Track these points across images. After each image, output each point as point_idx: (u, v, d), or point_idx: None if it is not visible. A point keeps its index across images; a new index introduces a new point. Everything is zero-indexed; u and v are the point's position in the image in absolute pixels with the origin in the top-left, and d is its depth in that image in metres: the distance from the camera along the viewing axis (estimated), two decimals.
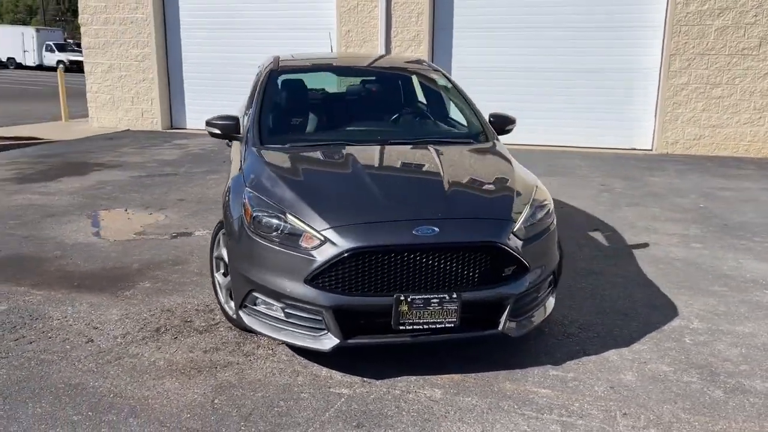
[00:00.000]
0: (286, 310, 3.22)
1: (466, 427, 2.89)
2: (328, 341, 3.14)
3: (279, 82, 4.65)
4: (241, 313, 3.40)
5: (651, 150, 10.88)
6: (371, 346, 3.33)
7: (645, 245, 5.62)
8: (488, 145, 4.20)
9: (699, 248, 5.54)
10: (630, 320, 4.04)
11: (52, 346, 3.57)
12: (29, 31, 43.11)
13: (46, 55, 40.97)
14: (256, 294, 3.31)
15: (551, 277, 3.61)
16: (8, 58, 42.78)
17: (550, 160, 9.89)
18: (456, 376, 3.32)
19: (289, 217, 3.22)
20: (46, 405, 2.99)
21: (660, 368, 3.45)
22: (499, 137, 4.51)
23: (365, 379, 3.28)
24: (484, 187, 3.60)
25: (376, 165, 3.83)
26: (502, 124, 4.64)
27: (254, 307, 3.35)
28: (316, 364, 3.39)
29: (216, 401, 3.05)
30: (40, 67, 40.79)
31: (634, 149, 10.95)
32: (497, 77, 11.41)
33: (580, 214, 6.66)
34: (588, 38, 10.96)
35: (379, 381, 3.26)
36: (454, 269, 3.14)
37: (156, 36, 12.67)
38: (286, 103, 4.56)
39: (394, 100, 4.81)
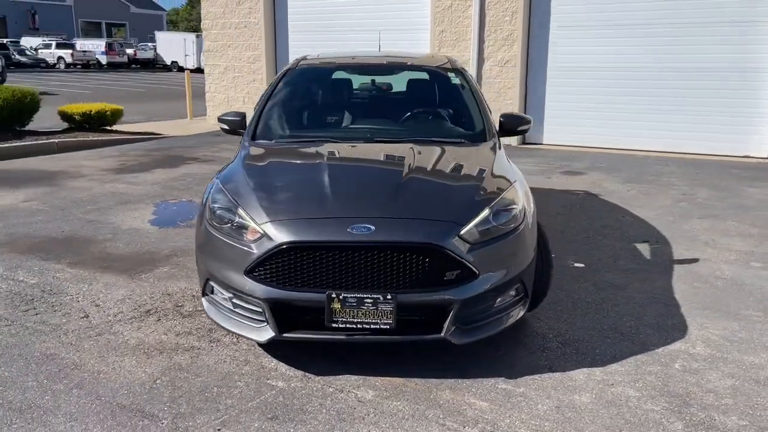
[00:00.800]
0: (233, 300, 3.32)
1: (376, 430, 2.83)
2: (265, 333, 3.20)
3: (290, 80, 4.78)
4: (203, 300, 3.55)
5: (766, 158, 9.80)
6: (307, 342, 3.34)
7: (693, 261, 5.11)
8: (481, 146, 4.03)
9: (757, 268, 4.94)
10: (623, 340, 3.71)
11: (51, 318, 3.94)
12: (190, 37, 46.99)
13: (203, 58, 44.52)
14: (211, 283, 3.44)
15: (518, 285, 3.42)
16: (172, 62, 46.97)
17: (642, 167, 9.24)
18: (398, 380, 3.24)
19: (239, 210, 3.32)
20: (14, 370, 3.31)
21: (625, 392, 3.15)
22: (515, 137, 4.33)
23: (307, 374, 3.30)
24: (443, 189, 3.48)
25: (346, 162, 3.82)
26: (514, 124, 4.44)
27: (212, 296, 3.48)
28: (270, 356, 3.46)
29: (158, 381, 3.22)
30: (198, 70, 44.35)
31: (748, 156, 9.91)
32: (596, 77, 10.83)
33: (638, 225, 6.18)
34: (699, 35, 10.07)
35: (320, 377, 3.26)
36: (389, 269, 3.07)
37: (266, 39, 13.37)
38: (292, 101, 4.66)
39: (401, 98, 4.75)
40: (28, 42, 48.48)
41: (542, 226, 3.85)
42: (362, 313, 3.09)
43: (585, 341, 3.69)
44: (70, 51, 44.96)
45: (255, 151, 4.00)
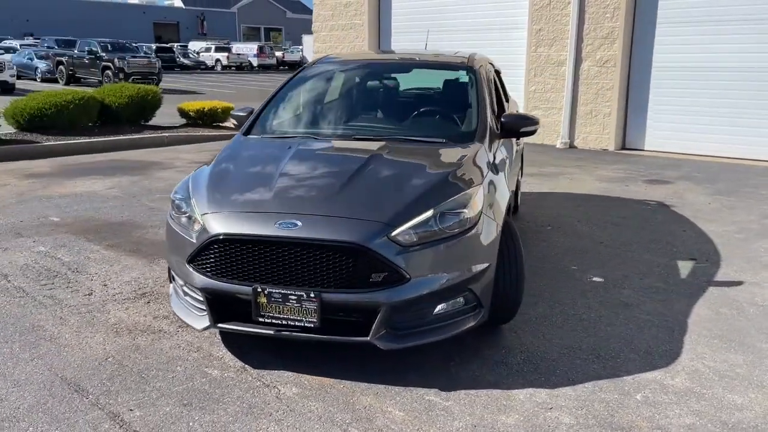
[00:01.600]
0: (183, 288, 3.44)
1: (275, 427, 2.80)
2: (202, 322, 3.29)
3: (300, 77, 4.83)
4: (170, 286, 3.71)
5: None
6: (238, 333, 3.37)
7: (735, 284, 4.53)
8: (462, 146, 3.83)
9: None
10: (595, 362, 3.38)
11: (60, 294, 4.29)
12: None
13: None
14: (171, 271, 3.59)
15: (466, 294, 3.23)
16: None
17: (742, 179, 8.31)
18: (330, 380, 3.19)
19: (191, 201, 3.43)
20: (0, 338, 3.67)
21: (559, 419, 2.87)
22: (520, 139, 4.11)
23: (247, 366, 3.33)
24: (388, 189, 3.35)
25: (305, 160, 3.79)
26: (515, 126, 4.19)
27: (173, 283, 3.63)
28: (223, 346, 3.53)
29: (109, 359, 3.40)
30: None
31: None
32: (705, 78, 9.88)
33: (697, 241, 5.57)
34: None
35: (256, 370, 3.29)
36: (313, 267, 3.03)
37: (369, 40, 13.58)
38: (294, 98, 4.69)
39: (401, 97, 4.62)
40: (194, 46, 52.98)
41: (516, 235, 3.61)
42: (287, 310, 3.08)
43: (551, 360, 3.40)
44: (226, 54, 48.33)
45: (236, 145, 4.11)
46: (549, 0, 10.88)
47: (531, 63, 11.28)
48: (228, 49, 49.88)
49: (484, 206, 3.32)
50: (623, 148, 10.76)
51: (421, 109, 4.44)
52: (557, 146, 11.05)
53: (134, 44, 36.95)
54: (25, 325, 3.81)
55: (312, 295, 3.02)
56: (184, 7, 79.38)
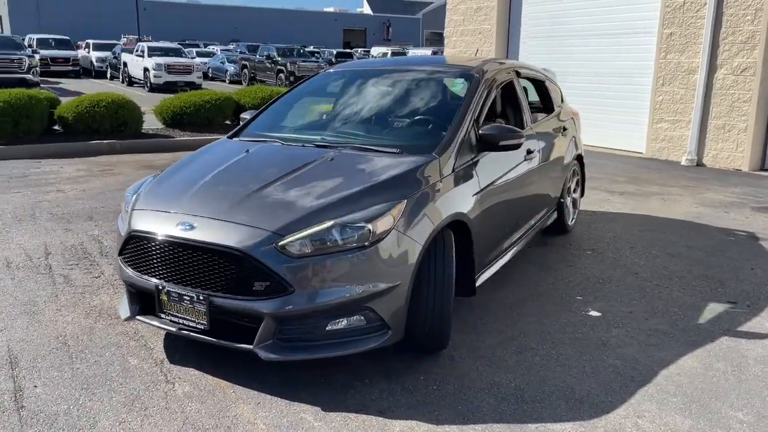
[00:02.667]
0: (124, 279, 3.65)
1: (138, 422, 2.87)
2: (125, 313, 3.46)
3: (303, 86, 4.86)
4: None
5: None
6: (154, 327, 3.46)
7: (761, 336, 3.79)
8: (412, 158, 3.60)
9: None
10: (510, 404, 3.03)
11: (74, 274, 4.73)
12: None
13: None
14: None
15: (367, 313, 3.06)
16: None
17: None
18: (227, 384, 3.20)
19: (134, 197, 3.63)
20: None
21: None
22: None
23: (166, 359, 3.45)
24: (296, 197, 3.25)
25: (248, 162, 3.78)
26: (493, 139, 3.86)
27: None
28: (162, 338, 3.67)
29: (59, 338, 3.67)
30: None
31: None
32: None
33: (758, 281, 4.74)
34: None
35: (170, 365, 3.39)
36: (204, 270, 3.07)
37: (497, 45, 13.22)
38: (289, 104, 4.70)
39: (385, 105, 4.40)
40: (375, 51, 55.25)
41: (450, 260, 3.34)
42: (183, 309, 3.15)
43: (464, 394, 3.11)
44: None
45: (209, 146, 4.24)
46: (683, 1, 9.81)
47: (659, 71, 10.25)
48: (404, 54, 51.24)
49: (399, 223, 3.13)
50: (762, 168, 9.40)
51: (395, 118, 4.26)
52: (682, 163, 9.94)
53: (314, 49, 39.44)
54: (24, 299, 4.26)
55: (201, 297, 3.06)
56: (372, 14, 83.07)
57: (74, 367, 3.36)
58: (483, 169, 3.91)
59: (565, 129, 5.50)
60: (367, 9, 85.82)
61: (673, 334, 3.82)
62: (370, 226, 3.05)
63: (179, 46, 28.22)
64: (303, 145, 3.98)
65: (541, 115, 5.27)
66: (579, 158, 5.95)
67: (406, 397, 3.10)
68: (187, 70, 25.35)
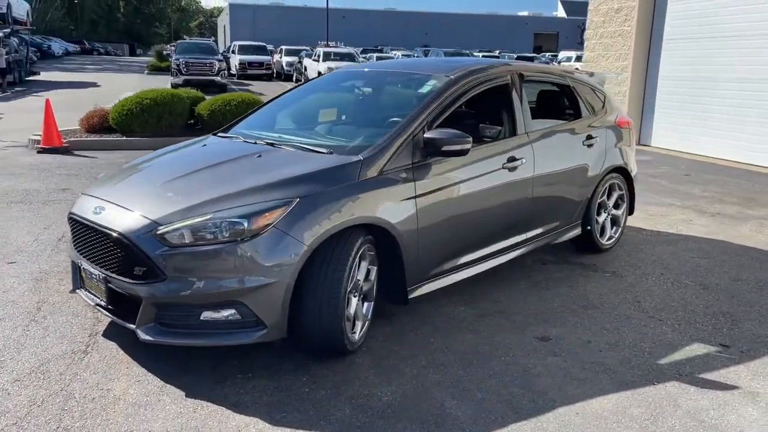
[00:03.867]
0: (69, 255, 3.99)
1: (29, 382, 3.17)
2: (71, 286, 3.83)
3: (302, 87, 4.92)
4: None
5: None
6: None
7: (720, 388, 3.19)
8: (334, 159, 3.55)
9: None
10: (361, 415, 2.91)
11: None
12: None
13: None
14: None
15: (240, 308, 3.10)
16: None
17: None
18: (131, 361, 3.40)
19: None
20: None
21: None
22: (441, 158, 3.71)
23: (101, 332, 3.74)
24: (193, 190, 3.36)
25: (184, 155, 3.97)
26: (435, 144, 3.67)
27: None
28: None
29: (36, 304, 4.19)
30: None
31: None
32: None
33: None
34: None
35: (101, 338, 3.66)
36: (102, 251, 3.33)
37: (635, 48, 12.17)
38: (281, 104, 4.77)
39: (355, 106, 4.25)
40: (564, 54, 53.46)
41: (342, 266, 3.24)
42: (93, 286, 3.45)
43: (321, 400, 3.04)
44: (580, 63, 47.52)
45: (187, 141, 4.51)
46: None
47: None
48: (579, 58, 48.86)
49: (281, 221, 3.13)
50: None
51: (352, 119, 4.20)
52: None
53: (488, 53, 39.02)
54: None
55: (102, 276, 3.32)
56: (566, 17, 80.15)
57: (15, 334, 3.67)
58: (431, 174, 3.74)
59: (590, 137, 5.00)
60: (561, 12, 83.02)
61: (614, 371, 3.36)
62: (245, 222, 3.10)
63: (353, 52, 29.69)
64: (246, 141, 4.10)
65: (553, 122, 4.85)
66: (621, 171, 5.36)
67: (272, 395, 3.10)
68: None
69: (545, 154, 4.54)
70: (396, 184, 3.58)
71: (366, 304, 3.61)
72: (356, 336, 3.48)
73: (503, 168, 4.20)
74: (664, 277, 4.82)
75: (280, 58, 36.27)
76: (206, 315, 3.15)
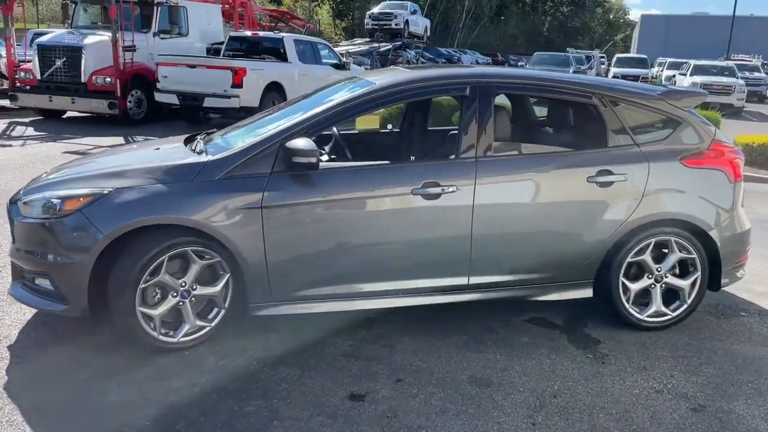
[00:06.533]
0: None
1: None
2: None
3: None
4: None
5: None
6: None
7: None
8: (189, 157, 3.64)
9: None
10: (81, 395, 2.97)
11: None
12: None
13: None
14: None
15: (51, 280, 3.44)
16: None
17: None
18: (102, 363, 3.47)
19: None
20: None
21: None
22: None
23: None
24: (70, 177, 3.75)
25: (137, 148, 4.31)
26: (287, 154, 3.38)
27: None
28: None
29: None
30: None
31: None
32: None
33: None
34: None
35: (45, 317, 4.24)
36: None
37: None
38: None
39: (298, 108, 3.83)
40: None
41: (128, 260, 3.32)
42: None
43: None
44: None
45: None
46: None
47: None
48: None
49: (87, 208, 3.35)
50: None
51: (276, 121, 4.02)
52: None
53: None
54: None
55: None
56: None
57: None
58: (299, 186, 3.49)
59: (606, 173, 3.73)
60: None
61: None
62: (58, 203, 3.42)
63: (732, 65, 25.57)
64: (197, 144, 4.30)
65: (545, 148, 3.78)
66: (687, 227, 3.88)
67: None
68: (726, 91, 22.99)
69: (503, 184, 3.65)
70: (244, 192, 3.43)
71: (201, 308, 3.55)
72: (175, 339, 3.48)
73: (414, 194, 3.55)
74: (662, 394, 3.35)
75: (661, 71, 33.43)
76: (38, 281, 3.55)
